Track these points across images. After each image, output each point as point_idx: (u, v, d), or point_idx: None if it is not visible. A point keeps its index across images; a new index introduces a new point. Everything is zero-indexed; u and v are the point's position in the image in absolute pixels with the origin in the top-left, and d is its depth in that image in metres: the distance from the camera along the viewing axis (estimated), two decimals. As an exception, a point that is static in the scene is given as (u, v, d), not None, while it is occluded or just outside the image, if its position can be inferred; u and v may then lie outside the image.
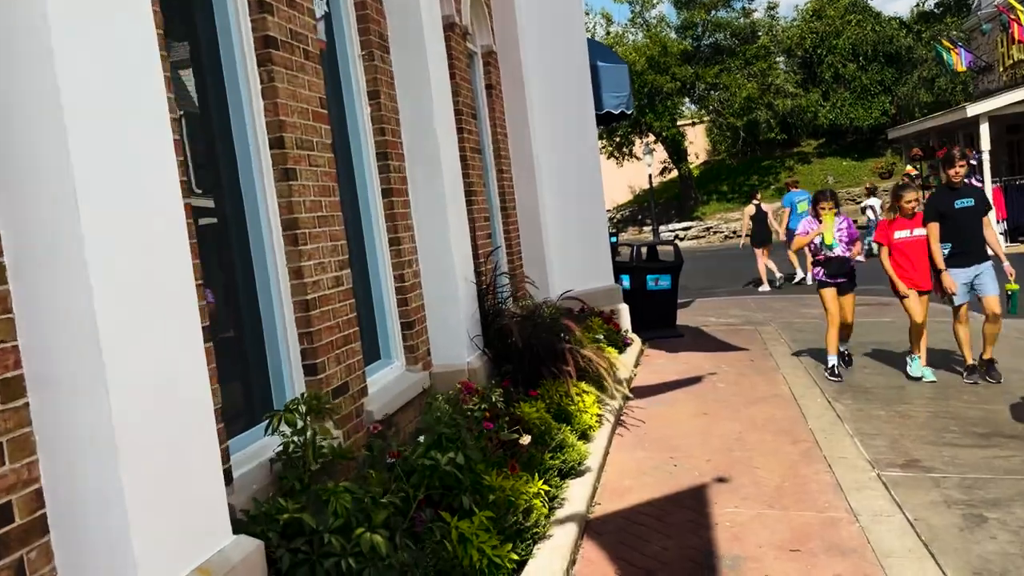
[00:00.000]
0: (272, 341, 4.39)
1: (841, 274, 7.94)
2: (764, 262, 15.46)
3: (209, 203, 4.32)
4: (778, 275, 15.60)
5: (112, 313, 2.57)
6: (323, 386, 4.47)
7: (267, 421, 3.66)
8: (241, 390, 4.34)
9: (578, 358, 6.44)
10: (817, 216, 7.98)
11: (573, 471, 5.29)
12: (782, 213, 16.42)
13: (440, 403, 4.80)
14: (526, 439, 4.50)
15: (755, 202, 16.05)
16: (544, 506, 4.54)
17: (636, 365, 9.01)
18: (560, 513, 4.70)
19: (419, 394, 5.82)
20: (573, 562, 4.26)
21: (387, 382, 5.56)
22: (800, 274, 15.46)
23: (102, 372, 2.52)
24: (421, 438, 4.52)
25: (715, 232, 30.15)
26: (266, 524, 3.20)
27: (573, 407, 6.15)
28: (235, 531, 3.15)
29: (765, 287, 15.41)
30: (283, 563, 3.14)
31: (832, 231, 7.83)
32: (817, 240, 7.92)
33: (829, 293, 7.98)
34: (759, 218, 15.70)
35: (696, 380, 8.26)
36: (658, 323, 10.84)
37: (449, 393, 5.46)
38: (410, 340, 5.96)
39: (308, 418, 3.73)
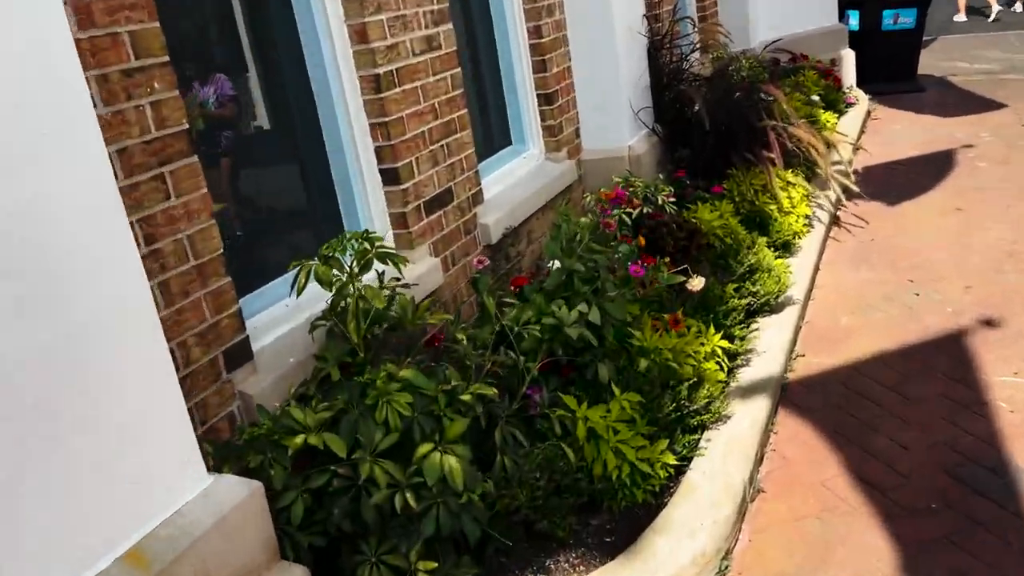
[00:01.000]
0: (333, 139, 3.09)
1: None
2: None
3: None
4: (996, 7, 12.40)
5: None
6: (409, 199, 3.19)
7: (295, 272, 2.44)
8: (288, 216, 3.16)
9: (784, 138, 4.71)
10: None
11: (767, 306, 3.82)
12: None
13: (578, 216, 3.40)
14: (697, 283, 3.06)
15: None
16: (721, 369, 3.19)
17: (860, 134, 7.00)
18: (744, 376, 3.34)
19: (563, 190, 4.43)
20: (760, 460, 2.95)
21: (516, 179, 4.19)
22: (997, 8, 12.38)
23: None
24: (554, 263, 3.20)
25: (965, -51, 24.58)
26: (272, 449, 2.08)
27: (772, 206, 4.55)
28: (226, 456, 2.07)
29: (961, 16, 12.64)
30: (294, 512, 2.05)
31: None
32: None
33: None
34: None
35: (944, 157, 6.21)
36: (893, 74, 8.48)
37: (599, 195, 4.03)
38: (550, 118, 4.46)
39: (356, 265, 2.48)
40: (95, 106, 1.99)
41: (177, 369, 2.20)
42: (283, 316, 2.69)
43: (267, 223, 3.04)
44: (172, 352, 2.18)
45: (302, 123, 3.07)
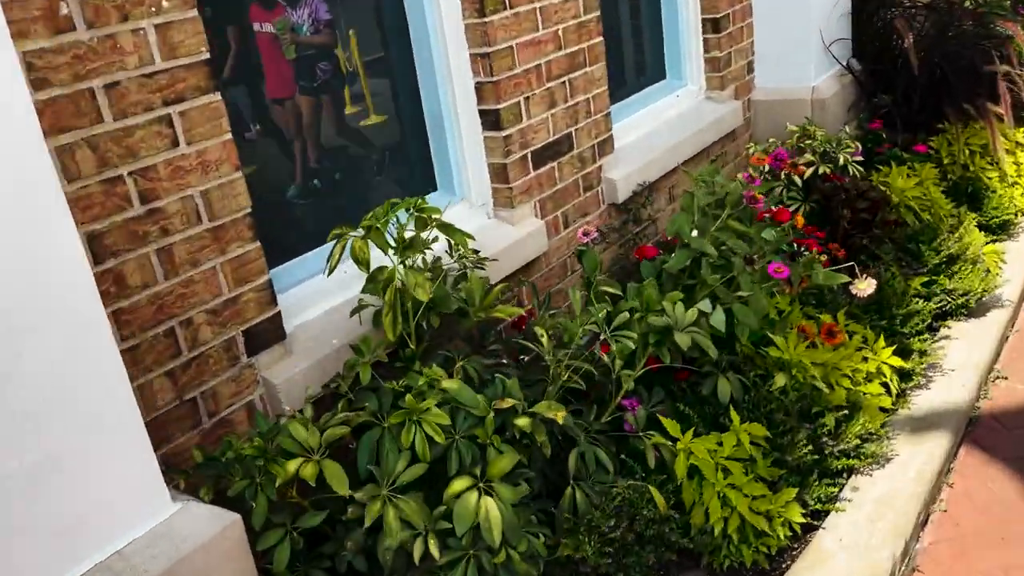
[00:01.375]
0: (426, 71, 2.58)
1: None
2: None
3: None
4: None
5: None
6: (511, 148, 2.65)
7: (332, 247, 1.99)
8: (365, 166, 2.69)
9: (1018, 88, 3.69)
10: None
11: (964, 307, 3.00)
12: None
13: (736, 172, 2.72)
14: (865, 286, 2.32)
15: None
16: (887, 393, 2.48)
17: None
18: (918, 403, 2.60)
19: (723, 137, 3.70)
20: (923, 524, 2.25)
21: (663, 122, 3.51)
22: None
23: None
24: (691, 232, 2.58)
25: None
26: (261, 474, 1.68)
27: (991, 174, 3.61)
28: (210, 475, 1.71)
29: None
30: (279, 557, 1.65)
31: None
32: None
33: None
34: None
35: None
36: None
37: (758, 156, 3.30)
38: (716, 49, 3.69)
39: (398, 243, 1.99)
40: (74, 29, 1.61)
41: (180, 352, 1.85)
42: (330, 287, 2.27)
43: (341, 173, 2.60)
44: (173, 331, 1.84)
45: (392, 51, 2.59)
